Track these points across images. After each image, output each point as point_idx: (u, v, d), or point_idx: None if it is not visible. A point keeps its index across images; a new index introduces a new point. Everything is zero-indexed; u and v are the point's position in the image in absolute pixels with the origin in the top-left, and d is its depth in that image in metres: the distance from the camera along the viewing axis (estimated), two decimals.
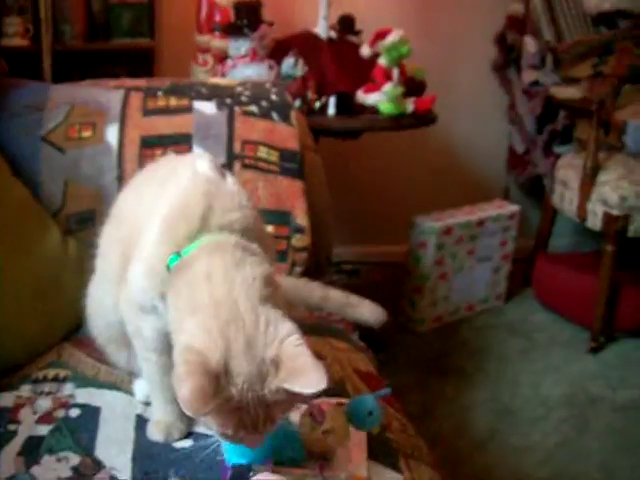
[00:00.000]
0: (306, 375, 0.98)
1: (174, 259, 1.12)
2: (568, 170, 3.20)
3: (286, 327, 1.03)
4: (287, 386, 0.98)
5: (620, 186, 2.92)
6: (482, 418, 2.60)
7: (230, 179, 1.25)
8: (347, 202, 3.18)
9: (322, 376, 0.97)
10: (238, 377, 0.98)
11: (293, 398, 1.02)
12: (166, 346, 1.22)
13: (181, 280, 1.09)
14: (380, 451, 1.23)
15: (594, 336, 3.09)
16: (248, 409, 0.99)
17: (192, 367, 0.96)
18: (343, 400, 1.23)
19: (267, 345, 1.00)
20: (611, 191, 2.92)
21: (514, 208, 3.37)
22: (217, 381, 0.97)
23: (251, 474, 1.09)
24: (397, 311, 3.18)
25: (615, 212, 2.91)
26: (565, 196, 3.18)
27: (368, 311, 1.72)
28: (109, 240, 1.38)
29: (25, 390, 1.41)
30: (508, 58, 3.61)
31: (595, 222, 3.00)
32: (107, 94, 1.91)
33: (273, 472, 1.08)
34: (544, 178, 3.42)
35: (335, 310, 1.72)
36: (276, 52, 2.75)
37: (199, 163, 1.25)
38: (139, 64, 2.88)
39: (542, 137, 3.43)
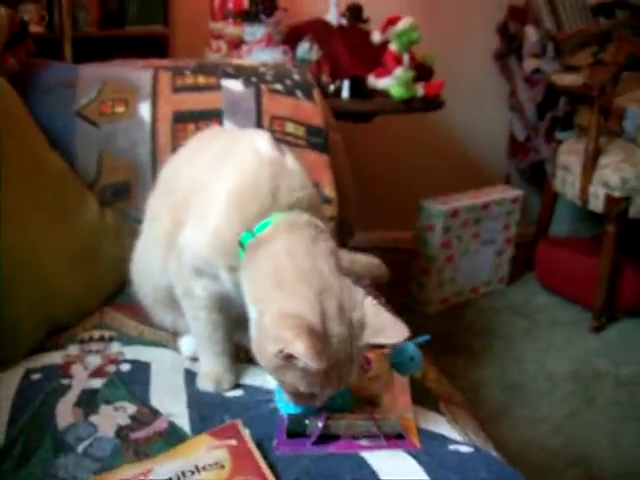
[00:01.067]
0: (389, 329, 1.11)
1: (248, 237, 1.18)
2: (570, 155, 3.27)
3: (360, 291, 1.14)
4: (374, 341, 1.10)
5: (621, 168, 3.00)
6: (492, 393, 2.67)
7: (290, 157, 1.29)
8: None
9: (403, 327, 1.11)
10: (333, 338, 1.07)
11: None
12: (216, 304, 1.30)
13: (260, 256, 1.16)
14: (422, 397, 1.30)
15: (596, 316, 3.17)
16: (337, 367, 1.08)
17: (299, 330, 1.04)
18: (386, 350, 1.30)
19: (353, 308, 1.11)
20: (612, 173, 3.00)
21: (517, 193, 3.45)
22: (322, 340, 1.05)
23: (307, 422, 1.15)
24: (405, 294, 3.27)
25: (616, 194, 2.99)
26: (567, 180, 3.26)
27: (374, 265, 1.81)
28: (159, 206, 1.42)
29: (73, 349, 1.47)
30: (510, 47, 3.69)
31: (597, 204, 3.08)
32: (137, 72, 1.97)
33: (327, 419, 1.14)
34: (546, 163, 3.49)
35: (362, 272, 1.78)
36: (289, 38, 2.82)
37: (260, 143, 1.29)
38: (153, 51, 2.91)
39: (544, 124, 3.50)
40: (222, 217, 1.22)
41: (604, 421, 2.54)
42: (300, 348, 1.02)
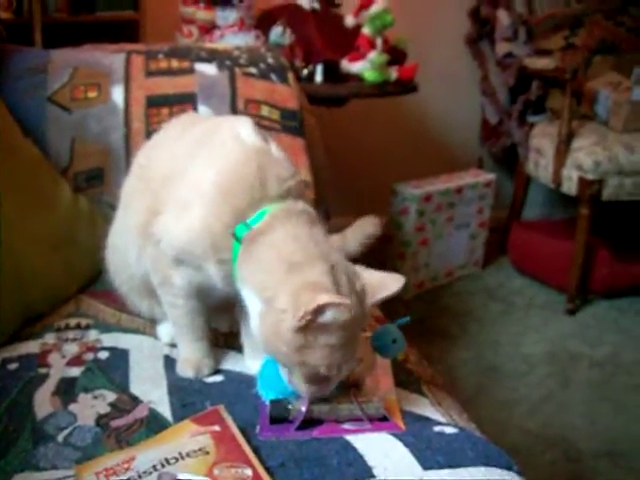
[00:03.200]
0: (387, 281, 1.15)
1: (243, 229, 1.16)
2: (542, 138, 3.29)
3: (350, 263, 1.17)
4: (378, 298, 1.13)
5: (594, 151, 3.02)
6: (469, 376, 2.68)
7: (273, 145, 1.28)
8: None
9: (398, 276, 1.16)
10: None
11: None
12: (194, 292, 1.29)
13: (261, 247, 1.15)
14: (404, 379, 1.30)
15: (570, 298, 3.19)
16: (353, 340, 1.11)
17: (320, 289, 1.06)
18: (368, 332, 1.29)
19: (355, 279, 1.13)
20: (585, 156, 3.01)
21: (490, 176, 3.46)
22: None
23: (289, 407, 1.14)
24: None
25: (590, 177, 3.00)
26: (540, 163, 3.27)
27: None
28: (133, 192, 1.40)
29: (50, 337, 1.44)
30: (482, 31, 3.68)
31: (570, 187, 3.09)
32: (109, 57, 1.94)
33: (310, 403, 1.13)
34: (518, 147, 3.50)
35: (355, 238, 1.77)
36: (262, 23, 2.80)
37: (242, 130, 1.27)
38: (123, 37, 2.87)
39: (516, 107, 3.50)
40: (210, 210, 1.20)
41: (580, 402, 2.56)
42: (325, 297, 1.03)
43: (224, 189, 1.20)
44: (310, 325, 1.05)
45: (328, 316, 1.04)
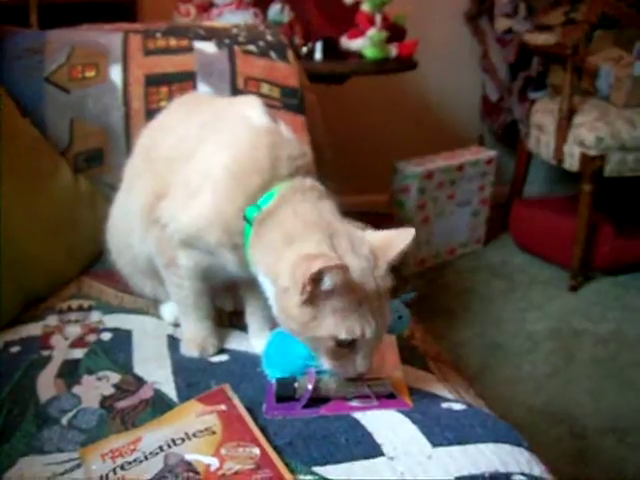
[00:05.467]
0: (397, 238, 1.13)
1: (253, 210, 1.15)
2: (543, 114, 3.26)
3: (359, 230, 1.15)
4: (391, 256, 1.10)
5: (596, 127, 2.99)
6: (473, 353, 2.68)
7: (282, 125, 1.26)
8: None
9: (407, 230, 1.13)
10: (354, 273, 1.06)
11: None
12: (200, 273, 1.28)
13: (269, 227, 1.14)
14: (410, 356, 1.29)
15: (573, 275, 3.18)
16: (368, 302, 1.07)
17: (315, 255, 1.04)
18: None
19: (361, 244, 1.10)
20: (587, 132, 2.99)
21: (491, 153, 3.44)
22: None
23: (295, 385, 1.13)
24: None
25: (592, 152, 2.98)
26: (541, 140, 3.25)
27: None
28: (136, 174, 1.38)
29: (52, 320, 1.44)
30: (481, 8, 3.65)
31: (572, 163, 3.07)
32: (106, 36, 1.92)
33: (316, 382, 1.12)
34: (519, 123, 3.47)
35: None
36: (260, 0, 2.77)
37: (252, 112, 1.25)
38: (120, 17, 2.84)
39: (517, 84, 3.48)
40: (222, 195, 1.18)
41: (585, 379, 2.55)
42: (318, 263, 1.01)
43: (236, 173, 1.18)
44: (314, 296, 1.04)
45: (327, 281, 1.03)
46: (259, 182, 1.16)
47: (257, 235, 1.15)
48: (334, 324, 1.06)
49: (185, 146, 1.26)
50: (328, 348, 1.08)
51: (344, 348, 1.08)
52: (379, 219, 3.27)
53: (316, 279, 1.02)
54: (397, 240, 1.12)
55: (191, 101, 1.44)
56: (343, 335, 1.06)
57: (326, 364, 1.11)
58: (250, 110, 1.26)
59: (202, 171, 1.21)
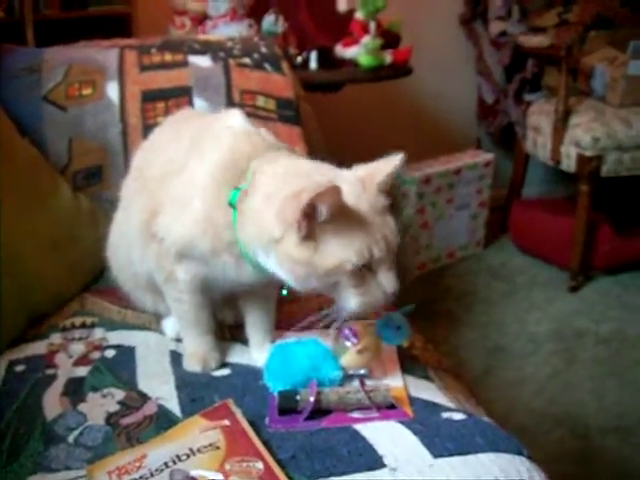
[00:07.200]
0: (383, 163, 1.14)
1: (235, 194, 1.16)
2: (540, 116, 3.28)
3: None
4: (379, 178, 1.12)
5: (592, 128, 3.01)
6: (475, 356, 2.69)
7: (263, 130, 1.28)
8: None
9: (395, 156, 1.14)
10: (345, 196, 1.07)
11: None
12: (199, 287, 1.29)
13: (250, 199, 1.15)
14: (410, 365, 1.30)
15: (573, 275, 3.19)
16: (373, 220, 1.09)
17: (306, 193, 1.04)
18: (372, 321, 1.29)
19: (345, 174, 1.14)
20: (583, 133, 3.00)
21: (488, 156, 3.45)
22: None
23: (297, 398, 1.14)
24: None
25: (588, 153, 2.99)
26: (538, 141, 3.27)
27: None
28: (132, 194, 1.39)
29: (56, 338, 1.45)
30: (475, 11, 3.66)
31: (569, 164, 3.09)
32: (102, 53, 1.94)
33: (318, 394, 1.14)
34: (516, 126, 3.49)
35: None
36: (254, 11, 2.79)
37: (233, 120, 1.27)
38: (116, 31, 2.85)
39: (512, 86, 3.50)
40: (209, 200, 1.19)
41: (587, 379, 2.56)
42: (307, 192, 1.02)
43: (219, 178, 1.19)
44: (312, 229, 1.05)
45: (322, 210, 1.04)
46: (239, 174, 1.17)
47: (241, 214, 1.16)
48: (341, 250, 1.06)
49: (175, 162, 1.28)
50: (345, 281, 1.08)
51: (360, 276, 1.08)
52: None
53: (309, 212, 1.04)
54: (384, 165, 1.14)
55: (180, 118, 1.46)
56: (353, 258, 1.06)
57: (352, 303, 1.10)
58: (231, 118, 1.28)
59: (190, 181, 1.23)
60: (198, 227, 1.20)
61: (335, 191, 1.03)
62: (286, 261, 1.10)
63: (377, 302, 1.11)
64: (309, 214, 1.04)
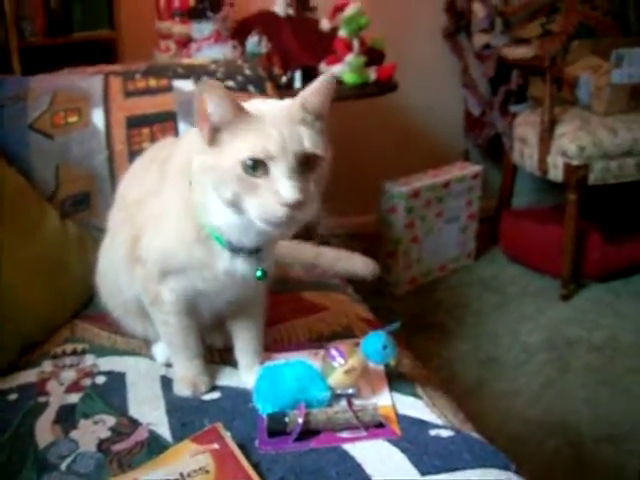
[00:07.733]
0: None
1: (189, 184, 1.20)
2: (526, 127, 3.30)
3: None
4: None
5: (578, 137, 3.03)
6: (468, 368, 2.70)
7: None
8: None
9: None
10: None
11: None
12: (185, 308, 1.31)
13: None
14: (398, 383, 1.31)
15: (564, 284, 3.20)
16: (267, 121, 1.11)
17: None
18: (358, 340, 1.30)
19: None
20: (569, 142, 3.03)
21: (476, 168, 3.46)
22: None
23: (286, 419, 1.16)
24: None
25: (575, 162, 3.01)
26: (525, 152, 3.29)
27: (360, 263, 1.79)
28: (117, 224, 1.43)
29: (47, 365, 1.46)
30: (458, 25, 3.68)
31: (556, 174, 3.10)
32: (87, 80, 1.95)
33: (306, 415, 1.15)
34: (502, 137, 3.51)
35: (329, 266, 1.77)
36: (238, 33, 2.81)
37: (189, 137, 1.28)
38: (101, 56, 2.89)
39: (498, 98, 3.52)
40: (180, 212, 1.23)
41: (580, 387, 2.57)
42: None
43: (186, 189, 1.21)
44: (216, 136, 1.11)
45: (212, 108, 1.09)
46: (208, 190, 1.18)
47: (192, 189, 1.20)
48: (237, 149, 1.09)
49: (151, 187, 1.31)
50: (242, 183, 1.09)
51: (257, 176, 1.08)
52: (368, 240, 3.30)
53: (205, 116, 1.10)
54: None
55: (158, 146, 1.49)
56: (245, 153, 1.08)
57: (252, 212, 1.10)
58: (189, 137, 1.29)
59: (162, 199, 1.27)
60: (174, 238, 1.24)
61: (218, 85, 1.10)
62: (205, 173, 1.13)
63: (275, 211, 1.08)
64: (205, 117, 1.09)
